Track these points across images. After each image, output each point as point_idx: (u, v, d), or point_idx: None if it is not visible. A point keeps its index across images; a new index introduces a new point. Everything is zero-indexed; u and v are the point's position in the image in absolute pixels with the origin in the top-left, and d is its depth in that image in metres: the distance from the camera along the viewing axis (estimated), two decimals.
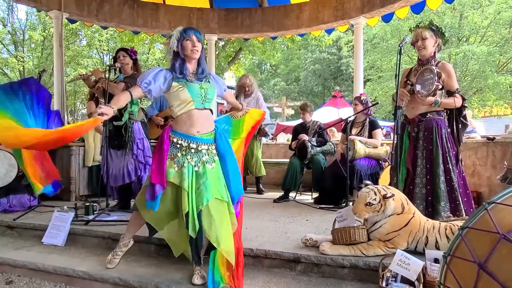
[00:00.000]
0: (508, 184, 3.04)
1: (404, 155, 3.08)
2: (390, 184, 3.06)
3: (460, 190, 2.91)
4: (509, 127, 4.68)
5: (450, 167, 2.90)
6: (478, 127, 9.15)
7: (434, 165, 2.91)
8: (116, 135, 3.84)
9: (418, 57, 3.10)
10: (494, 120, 19.57)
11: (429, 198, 2.91)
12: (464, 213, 2.86)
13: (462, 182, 2.97)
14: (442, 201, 2.85)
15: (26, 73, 19.82)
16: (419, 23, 3.12)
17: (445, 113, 3.03)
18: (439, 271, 1.24)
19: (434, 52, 3.03)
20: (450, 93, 2.95)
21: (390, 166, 3.99)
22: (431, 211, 2.87)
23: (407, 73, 3.16)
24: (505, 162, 3.15)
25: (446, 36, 3.12)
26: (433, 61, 3.00)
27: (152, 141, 5.41)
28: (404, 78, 3.13)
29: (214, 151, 2.38)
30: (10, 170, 4.09)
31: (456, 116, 3.04)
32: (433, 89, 2.79)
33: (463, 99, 2.97)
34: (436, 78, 2.77)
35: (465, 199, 2.93)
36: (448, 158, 2.91)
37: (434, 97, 2.85)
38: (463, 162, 3.11)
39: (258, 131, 5.25)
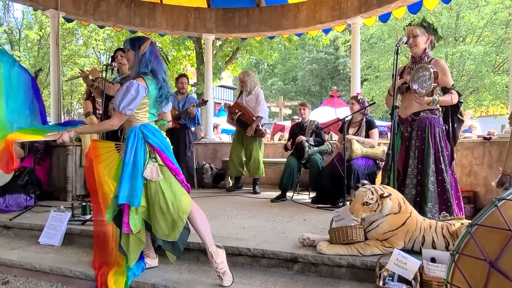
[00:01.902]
0: (504, 190, 3.03)
1: (397, 155, 3.03)
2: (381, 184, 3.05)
3: (452, 191, 2.87)
4: (505, 126, 4.70)
5: (443, 167, 2.86)
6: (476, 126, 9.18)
7: (425, 165, 2.87)
8: (113, 137, 3.83)
9: (412, 54, 3.09)
10: (491, 120, 19.67)
11: (417, 199, 2.88)
12: (456, 215, 2.81)
13: (454, 183, 2.93)
14: (429, 202, 2.81)
15: None
16: (412, 21, 3.11)
17: (439, 111, 2.99)
18: (445, 269, 1.19)
19: (425, 49, 3.01)
20: (445, 90, 2.92)
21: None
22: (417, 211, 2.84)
23: (401, 71, 3.14)
24: (500, 168, 3.14)
25: (439, 33, 3.10)
26: (426, 58, 2.99)
27: None
28: (396, 77, 3.11)
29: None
30: None
31: (452, 113, 3.01)
32: (430, 89, 2.75)
33: (459, 95, 2.94)
34: (433, 78, 2.73)
35: (456, 201, 2.88)
36: (441, 158, 2.87)
37: (432, 97, 2.82)
38: (457, 162, 3.08)
39: (255, 132, 5.22)
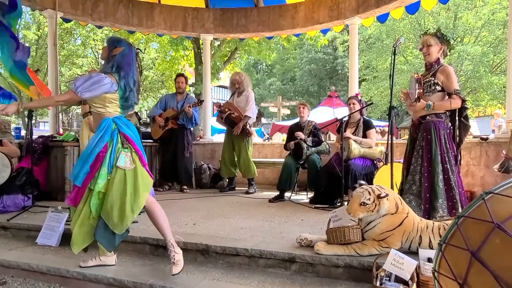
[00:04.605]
0: (505, 173, 3.09)
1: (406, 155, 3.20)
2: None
3: (459, 189, 2.98)
4: (502, 127, 4.72)
5: (448, 167, 2.98)
6: (474, 127, 9.11)
7: (433, 163, 2.98)
8: None
9: (425, 62, 3.20)
10: (488, 120, 19.72)
11: (428, 195, 2.98)
12: (458, 211, 2.92)
13: (460, 182, 3.05)
14: (440, 198, 2.92)
15: None
16: (427, 30, 3.22)
17: (445, 115, 3.09)
18: (434, 257, 1.25)
19: (438, 58, 3.11)
20: (448, 94, 3.04)
21: (383, 165, 4.02)
22: (429, 208, 2.94)
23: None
24: (503, 151, 3.20)
25: (452, 43, 3.22)
26: (436, 65, 3.09)
27: (148, 141, 5.40)
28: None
29: None
30: (3, 170, 4.05)
31: (458, 116, 3.11)
32: (416, 97, 2.94)
33: (463, 100, 3.03)
34: (417, 85, 2.91)
35: (463, 198, 3.00)
36: (447, 158, 2.99)
37: (422, 102, 2.96)
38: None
39: (242, 131, 5.23)
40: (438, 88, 3.00)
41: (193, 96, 10.47)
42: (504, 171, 3.12)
